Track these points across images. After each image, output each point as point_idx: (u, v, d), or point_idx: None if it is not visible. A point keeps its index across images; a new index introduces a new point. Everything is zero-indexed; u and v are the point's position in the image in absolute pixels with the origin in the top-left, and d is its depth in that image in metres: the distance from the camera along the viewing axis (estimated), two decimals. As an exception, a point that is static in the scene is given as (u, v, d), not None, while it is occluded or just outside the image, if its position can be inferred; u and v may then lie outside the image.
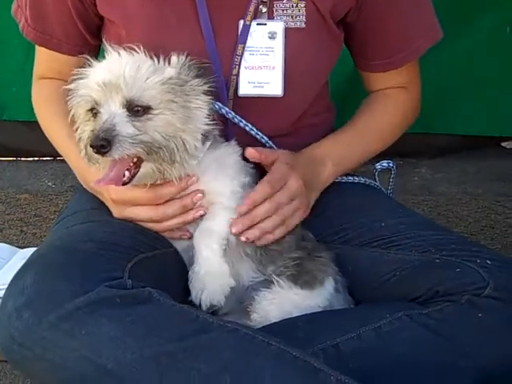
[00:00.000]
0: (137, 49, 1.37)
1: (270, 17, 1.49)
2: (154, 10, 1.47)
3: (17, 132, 2.81)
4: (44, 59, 1.66)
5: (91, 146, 1.28)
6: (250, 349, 1.21)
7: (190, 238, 1.46)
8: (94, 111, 1.35)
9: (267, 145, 1.56)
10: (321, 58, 1.57)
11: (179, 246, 1.49)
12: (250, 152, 1.46)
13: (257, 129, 1.54)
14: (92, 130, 1.32)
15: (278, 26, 1.49)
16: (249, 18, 1.48)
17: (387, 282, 1.44)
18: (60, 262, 1.30)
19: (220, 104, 1.48)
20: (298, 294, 1.45)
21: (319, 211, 1.59)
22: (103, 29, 1.58)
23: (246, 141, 1.52)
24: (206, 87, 1.37)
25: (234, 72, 1.50)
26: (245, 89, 1.52)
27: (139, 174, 1.35)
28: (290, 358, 1.20)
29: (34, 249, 1.98)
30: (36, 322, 1.20)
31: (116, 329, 1.19)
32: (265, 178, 1.46)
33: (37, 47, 1.66)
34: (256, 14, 1.49)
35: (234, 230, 1.41)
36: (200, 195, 1.41)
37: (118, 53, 1.37)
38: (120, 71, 1.33)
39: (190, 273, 1.43)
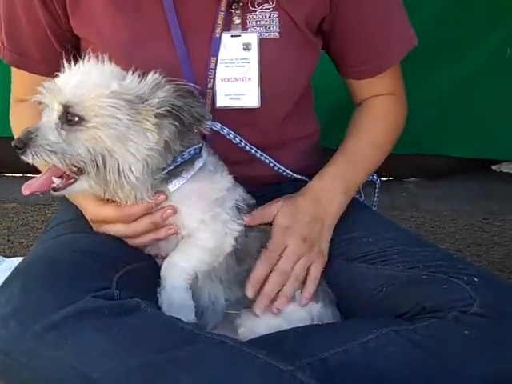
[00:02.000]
0: (107, 59, 1.34)
1: (244, 28, 1.50)
2: (127, 29, 1.47)
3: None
4: (21, 82, 1.64)
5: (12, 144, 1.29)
6: (236, 361, 1.21)
7: (165, 257, 1.44)
8: None
9: (262, 157, 1.56)
10: (297, 67, 1.57)
11: (159, 261, 1.48)
12: (247, 222, 1.48)
13: (245, 141, 1.53)
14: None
15: (251, 37, 1.50)
16: (218, 30, 1.48)
17: (374, 297, 1.45)
18: (46, 272, 1.29)
19: (210, 122, 1.45)
20: (286, 308, 1.46)
21: None
22: (81, 46, 1.57)
23: (231, 150, 1.52)
24: (161, 110, 1.29)
25: (209, 85, 1.50)
26: (222, 101, 1.52)
27: (74, 185, 1.33)
28: (276, 372, 1.20)
29: (20, 258, 1.98)
30: (22, 331, 1.19)
31: (102, 339, 1.19)
32: (263, 250, 1.48)
33: (13, 70, 1.65)
34: (227, 26, 1.49)
35: (258, 312, 1.45)
36: (170, 211, 1.38)
37: (88, 60, 1.34)
38: (69, 78, 1.31)
39: (158, 297, 1.40)
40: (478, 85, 2.53)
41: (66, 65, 1.34)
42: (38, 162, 1.30)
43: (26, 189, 1.32)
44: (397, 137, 1.74)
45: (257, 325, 1.44)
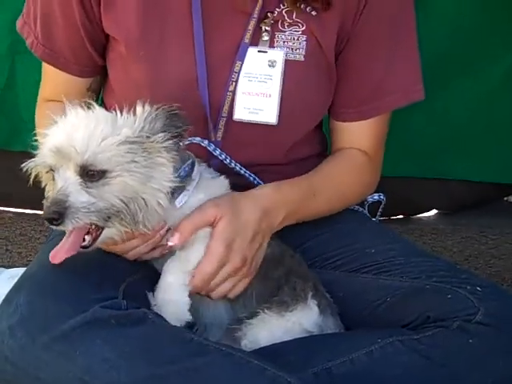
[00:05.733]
0: (95, 105, 1.33)
1: (271, 46, 1.52)
2: (154, 34, 1.49)
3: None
4: (50, 80, 1.65)
5: (43, 218, 1.25)
6: (245, 373, 1.21)
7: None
8: (52, 173, 1.31)
9: (254, 181, 1.57)
10: (318, 92, 1.58)
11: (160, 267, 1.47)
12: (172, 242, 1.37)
13: (241, 164, 1.54)
14: (46, 199, 1.28)
15: (278, 55, 1.51)
16: (248, 36, 1.50)
17: (378, 308, 1.46)
18: (53, 282, 1.30)
19: (198, 139, 1.48)
20: (286, 318, 1.45)
21: (311, 235, 1.61)
22: (108, 46, 1.59)
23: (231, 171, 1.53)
24: (169, 143, 1.31)
25: (231, 88, 1.51)
26: (240, 113, 1.53)
27: (102, 236, 1.31)
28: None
29: (19, 268, 2.00)
30: (30, 341, 1.20)
31: (110, 350, 1.19)
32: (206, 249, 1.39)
33: (43, 68, 1.66)
34: (255, 41, 1.51)
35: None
36: (165, 229, 1.38)
37: (75, 111, 1.33)
38: (73, 134, 1.28)
39: (150, 297, 1.38)
40: (497, 105, 2.42)
41: (54, 118, 1.33)
42: (74, 227, 1.27)
43: (56, 258, 1.28)
44: (361, 196, 1.71)
45: (259, 336, 1.43)
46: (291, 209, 1.51)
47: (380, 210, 1.81)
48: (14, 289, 1.32)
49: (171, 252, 1.42)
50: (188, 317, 1.38)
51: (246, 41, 1.50)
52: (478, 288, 1.39)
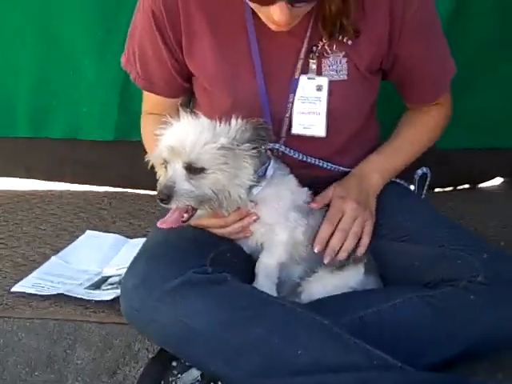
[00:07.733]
0: (201, 115, 1.68)
1: (318, 72, 1.87)
2: (225, 70, 1.87)
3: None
4: (149, 100, 2.11)
5: (156, 198, 1.62)
6: (295, 319, 1.62)
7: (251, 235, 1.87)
8: (165, 164, 1.68)
9: (325, 165, 1.98)
10: (360, 103, 1.95)
11: (245, 247, 1.87)
12: (313, 206, 1.85)
13: (308, 156, 1.96)
14: (160, 183, 1.65)
15: (323, 81, 1.87)
16: (297, 73, 1.87)
17: (408, 270, 1.83)
18: (162, 254, 1.76)
19: (277, 145, 1.91)
20: (337, 277, 1.85)
21: None
22: (193, 77, 2.01)
23: (301, 164, 1.94)
24: (253, 152, 1.68)
25: (287, 115, 1.90)
26: (296, 129, 1.92)
27: (196, 215, 1.69)
28: (326, 327, 1.61)
29: (140, 239, 2.42)
30: (147, 295, 1.65)
31: (200, 301, 1.63)
32: (326, 216, 1.84)
33: (144, 91, 2.11)
34: (305, 70, 1.87)
35: (325, 261, 1.80)
36: (255, 217, 1.78)
37: (187, 118, 1.68)
38: (183, 138, 1.63)
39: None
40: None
41: (171, 123, 1.73)
42: (177, 206, 1.66)
43: (163, 225, 1.68)
44: (436, 134, 2.11)
45: (313, 291, 1.80)
46: (380, 170, 1.97)
47: (425, 187, 2.12)
48: (136, 258, 1.78)
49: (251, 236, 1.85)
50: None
51: (296, 77, 1.86)
52: (485, 254, 1.72)
